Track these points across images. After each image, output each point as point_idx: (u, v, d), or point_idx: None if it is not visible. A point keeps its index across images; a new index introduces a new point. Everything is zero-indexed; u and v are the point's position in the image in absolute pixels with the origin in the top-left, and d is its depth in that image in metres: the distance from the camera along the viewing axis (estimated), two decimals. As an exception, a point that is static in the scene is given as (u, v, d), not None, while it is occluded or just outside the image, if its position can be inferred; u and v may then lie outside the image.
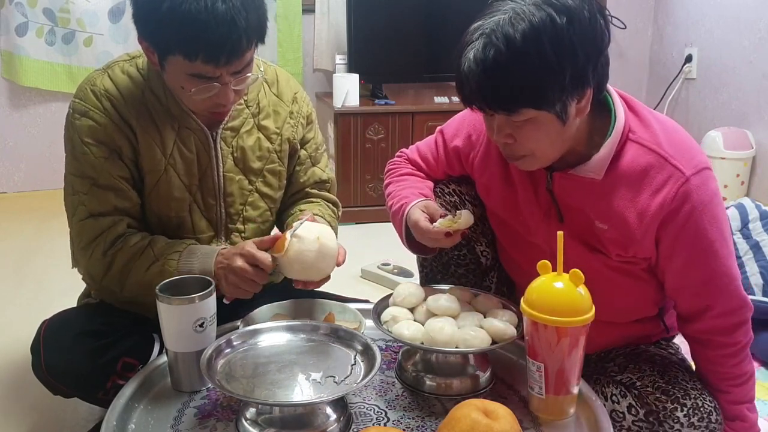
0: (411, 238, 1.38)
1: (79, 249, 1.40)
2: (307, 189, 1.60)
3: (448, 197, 1.47)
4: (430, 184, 1.49)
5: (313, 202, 1.59)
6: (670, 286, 1.29)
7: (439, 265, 1.55)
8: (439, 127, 1.51)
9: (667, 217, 1.20)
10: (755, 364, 1.83)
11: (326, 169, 1.64)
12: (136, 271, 1.36)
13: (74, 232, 1.41)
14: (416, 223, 1.31)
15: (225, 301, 1.34)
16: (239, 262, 1.30)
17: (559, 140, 1.19)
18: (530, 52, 1.09)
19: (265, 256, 1.30)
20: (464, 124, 1.45)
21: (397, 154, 1.56)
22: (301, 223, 1.32)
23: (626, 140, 1.23)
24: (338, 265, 1.37)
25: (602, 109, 1.25)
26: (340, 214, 1.66)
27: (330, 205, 1.62)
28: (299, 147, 1.57)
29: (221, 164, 1.45)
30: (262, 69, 1.42)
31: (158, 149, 1.39)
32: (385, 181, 1.52)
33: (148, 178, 1.41)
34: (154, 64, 1.32)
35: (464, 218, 1.27)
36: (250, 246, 1.31)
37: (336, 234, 1.45)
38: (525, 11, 1.10)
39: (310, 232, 1.31)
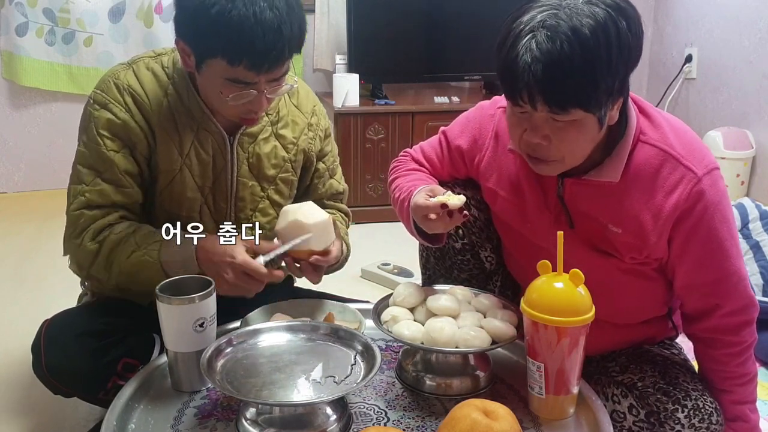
0: (418, 226, 1.34)
1: (71, 238, 1.40)
2: (324, 201, 1.60)
3: None
4: (436, 182, 1.46)
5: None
6: (679, 285, 1.30)
7: (442, 268, 1.54)
8: (441, 128, 1.48)
9: (681, 216, 1.21)
10: (756, 364, 1.83)
11: (341, 180, 1.65)
12: (118, 259, 1.35)
13: (68, 220, 1.41)
14: (416, 204, 1.28)
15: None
16: (230, 274, 1.27)
17: (590, 146, 1.19)
18: (599, 49, 1.06)
19: (258, 267, 1.27)
20: (468, 126, 1.43)
21: (401, 153, 1.54)
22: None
23: (637, 142, 1.23)
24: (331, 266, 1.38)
25: None
26: (350, 223, 1.67)
27: (343, 215, 1.64)
28: (315, 160, 1.57)
29: (236, 168, 1.45)
30: (296, 79, 1.42)
31: (175, 149, 1.39)
32: (391, 177, 1.49)
33: (163, 176, 1.40)
34: (188, 66, 1.32)
35: (458, 197, 1.23)
36: (240, 255, 1.28)
37: (348, 243, 1.51)
38: (583, 8, 1.07)
39: (313, 213, 1.33)
